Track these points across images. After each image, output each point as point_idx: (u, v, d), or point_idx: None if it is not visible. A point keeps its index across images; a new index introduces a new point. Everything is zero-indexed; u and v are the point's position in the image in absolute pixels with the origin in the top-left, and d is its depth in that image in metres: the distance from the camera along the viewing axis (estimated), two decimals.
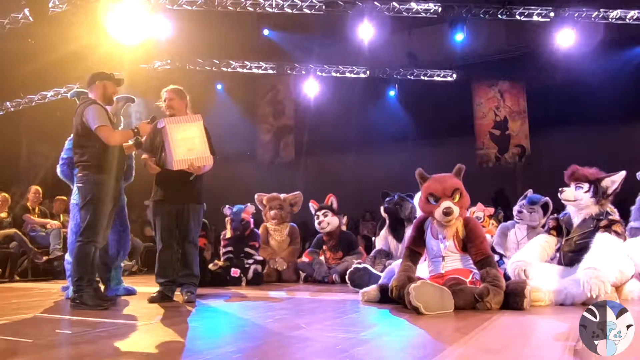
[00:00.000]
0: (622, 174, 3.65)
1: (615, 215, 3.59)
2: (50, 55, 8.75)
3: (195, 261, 3.94)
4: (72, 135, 3.84)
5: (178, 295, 3.88)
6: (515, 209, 5.12)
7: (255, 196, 6.45)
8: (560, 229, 3.80)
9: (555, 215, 3.98)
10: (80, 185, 3.54)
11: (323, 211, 6.19)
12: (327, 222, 6.11)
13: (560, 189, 3.69)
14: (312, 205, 6.37)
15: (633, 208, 4.82)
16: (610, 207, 3.65)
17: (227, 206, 5.93)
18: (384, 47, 10.69)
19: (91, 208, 3.47)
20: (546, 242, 3.77)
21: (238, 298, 4.22)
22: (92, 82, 3.71)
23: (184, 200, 3.86)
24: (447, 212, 3.29)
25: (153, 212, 3.96)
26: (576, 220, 3.68)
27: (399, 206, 5.61)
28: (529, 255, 3.64)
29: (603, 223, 3.48)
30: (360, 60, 11.64)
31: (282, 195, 6.44)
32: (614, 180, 3.61)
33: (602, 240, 3.37)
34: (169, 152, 3.67)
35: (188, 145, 3.66)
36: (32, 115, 11.42)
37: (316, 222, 6.22)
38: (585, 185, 3.61)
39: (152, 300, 3.74)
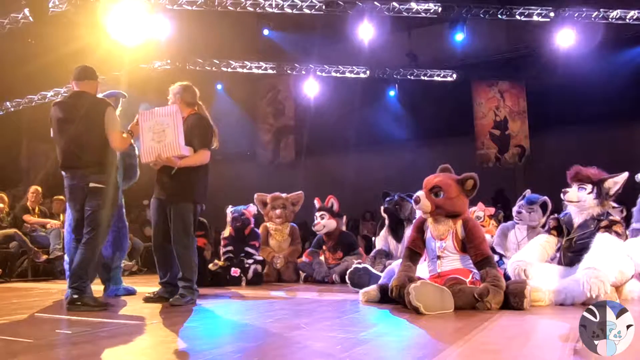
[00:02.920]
0: (625, 175, 3.64)
1: (616, 213, 3.59)
2: (50, 55, 8.75)
3: (186, 263, 3.69)
4: None
5: None
6: (514, 209, 5.11)
7: (255, 196, 6.41)
8: (560, 229, 3.79)
9: (556, 215, 3.97)
10: None
11: (320, 213, 6.16)
12: (323, 224, 6.10)
13: (563, 190, 3.67)
14: (317, 204, 6.36)
15: (634, 210, 4.82)
16: (611, 205, 3.65)
17: (230, 206, 5.94)
18: (384, 47, 10.69)
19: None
20: (546, 242, 3.77)
21: (238, 298, 4.22)
22: (94, 76, 3.66)
23: (171, 198, 3.70)
24: (415, 200, 3.38)
25: (150, 209, 3.90)
26: (577, 221, 3.67)
27: (398, 206, 5.61)
28: (529, 255, 3.64)
29: (604, 223, 3.48)
30: (360, 60, 11.63)
31: (284, 195, 6.43)
32: (616, 182, 3.61)
33: (602, 241, 3.37)
34: (140, 144, 3.59)
35: (158, 136, 3.52)
36: (32, 115, 11.41)
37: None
38: (589, 186, 3.60)
39: (147, 299, 3.73)
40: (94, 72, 3.66)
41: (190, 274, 3.70)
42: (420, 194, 3.38)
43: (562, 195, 3.68)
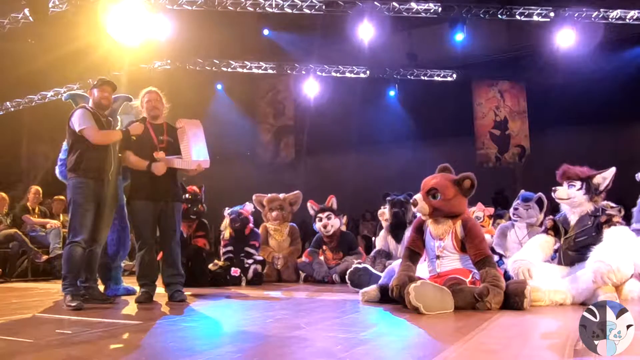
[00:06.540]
0: (612, 170, 3.67)
1: (614, 211, 3.60)
2: (50, 55, 8.76)
3: (179, 259, 3.93)
4: None
5: (158, 294, 3.88)
6: (511, 208, 5.20)
7: (254, 197, 6.38)
8: (557, 229, 3.80)
9: (551, 216, 3.98)
10: (67, 187, 3.70)
11: (327, 213, 6.09)
12: (331, 224, 6.06)
13: (553, 188, 3.70)
14: (312, 206, 6.30)
15: (634, 210, 4.82)
16: (609, 204, 3.66)
17: (227, 208, 5.94)
18: (384, 47, 10.70)
19: (71, 210, 3.59)
20: (545, 242, 3.78)
21: (238, 298, 4.22)
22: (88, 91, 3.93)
23: (171, 198, 3.85)
24: (413, 203, 3.44)
25: (135, 211, 3.85)
26: (572, 219, 3.68)
27: (404, 209, 5.58)
28: (528, 255, 3.64)
29: (603, 219, 3.49)
30: (360, 60, 11.65)
31: (282, 195, 6.41)
32: (605, 177, 3.65)
33: (612, 234, 3.38)
34: (188, 151, 3.76)
35: (201, 148, 3.83)
36: (32, 115, 11.42)
37: (319, 224, 6.11)
38: (578, 183, 3.63)
39: (139, 300, 3.74)
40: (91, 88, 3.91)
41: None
42: (418, 197, 3.42)
43: (552, 193, 3.71)
